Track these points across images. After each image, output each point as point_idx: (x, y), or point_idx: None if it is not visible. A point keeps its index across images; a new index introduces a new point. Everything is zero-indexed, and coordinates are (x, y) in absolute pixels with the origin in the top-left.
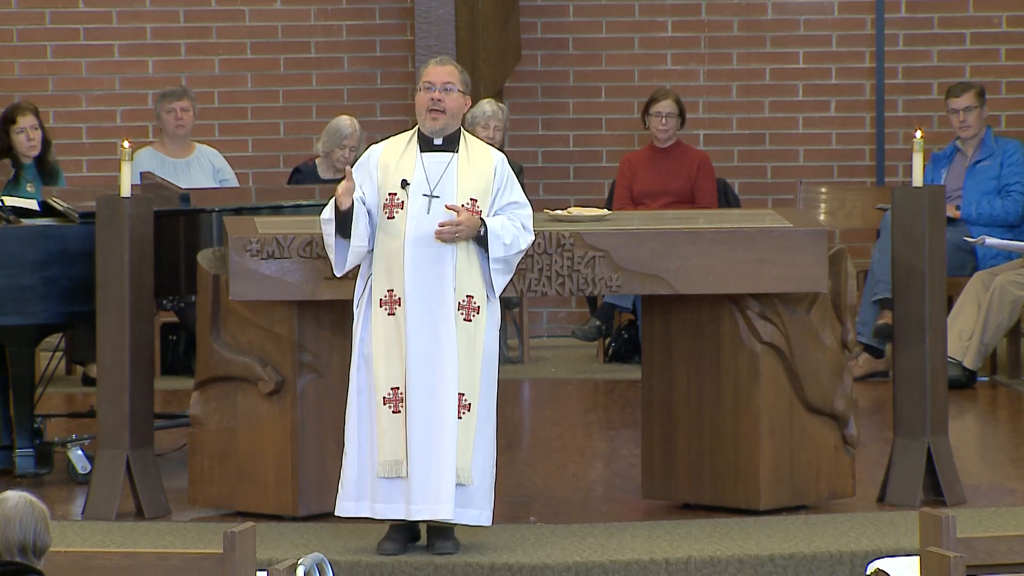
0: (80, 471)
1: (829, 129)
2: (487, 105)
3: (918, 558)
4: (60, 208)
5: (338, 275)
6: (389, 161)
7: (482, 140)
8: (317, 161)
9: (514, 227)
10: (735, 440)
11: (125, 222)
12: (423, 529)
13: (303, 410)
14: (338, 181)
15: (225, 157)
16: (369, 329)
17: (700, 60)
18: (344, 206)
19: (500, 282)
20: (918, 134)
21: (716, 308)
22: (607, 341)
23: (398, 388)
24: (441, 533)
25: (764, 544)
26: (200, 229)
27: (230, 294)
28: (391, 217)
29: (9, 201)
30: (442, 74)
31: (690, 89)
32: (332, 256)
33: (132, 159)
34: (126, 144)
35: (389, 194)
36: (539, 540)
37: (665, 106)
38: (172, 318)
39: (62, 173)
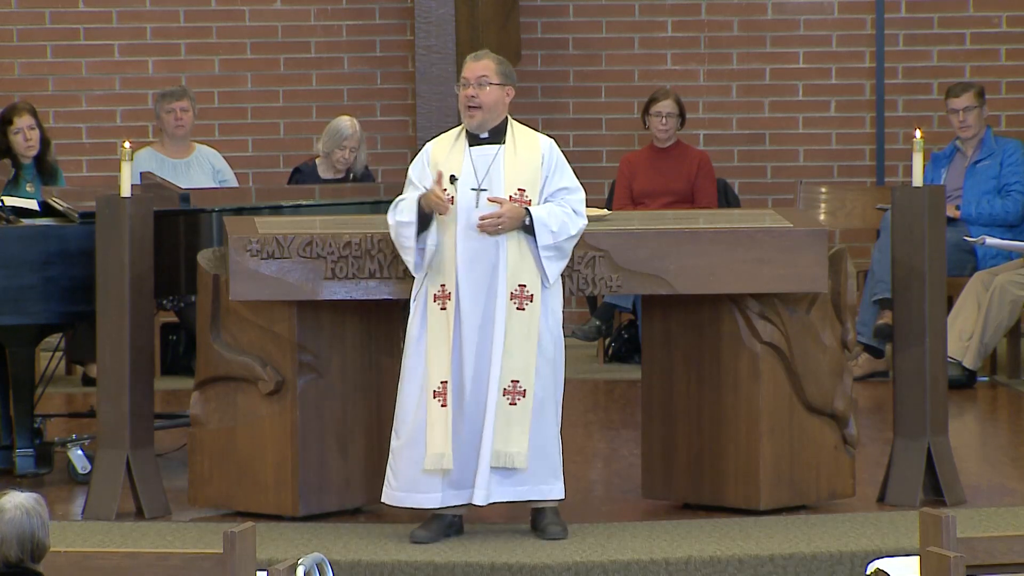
0: (80, 471)
1: (829, 129)
2: None
3: (918, 558)
4: (60, 208)
5: (418, 275)
6: (439, 158)
7: None
8: (317, 161)
9: (563, 213)
10: (735, 440)
11: (125, 222)
12: (444, 518)
13: (303, 410)
14: (338, 181)
15: (225, 157)
16: (419, 323)
17: (700, 60)
18: (444, 212)
19: (553, 269)
20: (918, 134)
21: (716, 308)
22: (607, 341)
23: (446, 382)
24: (549, 516)
25: (764, 544)
26: (200, 229)
27: (230, 294)
28: (442, 213)
29: (9, 201)
30: (476, 69)
31: (690, 89)
32: (411, 258)
33: (132, 159)
34: (126, 144)
35: (441, 190)
36: (539, 540)
37: (665, 106)
38: (172, 318)
39: (62, 173)
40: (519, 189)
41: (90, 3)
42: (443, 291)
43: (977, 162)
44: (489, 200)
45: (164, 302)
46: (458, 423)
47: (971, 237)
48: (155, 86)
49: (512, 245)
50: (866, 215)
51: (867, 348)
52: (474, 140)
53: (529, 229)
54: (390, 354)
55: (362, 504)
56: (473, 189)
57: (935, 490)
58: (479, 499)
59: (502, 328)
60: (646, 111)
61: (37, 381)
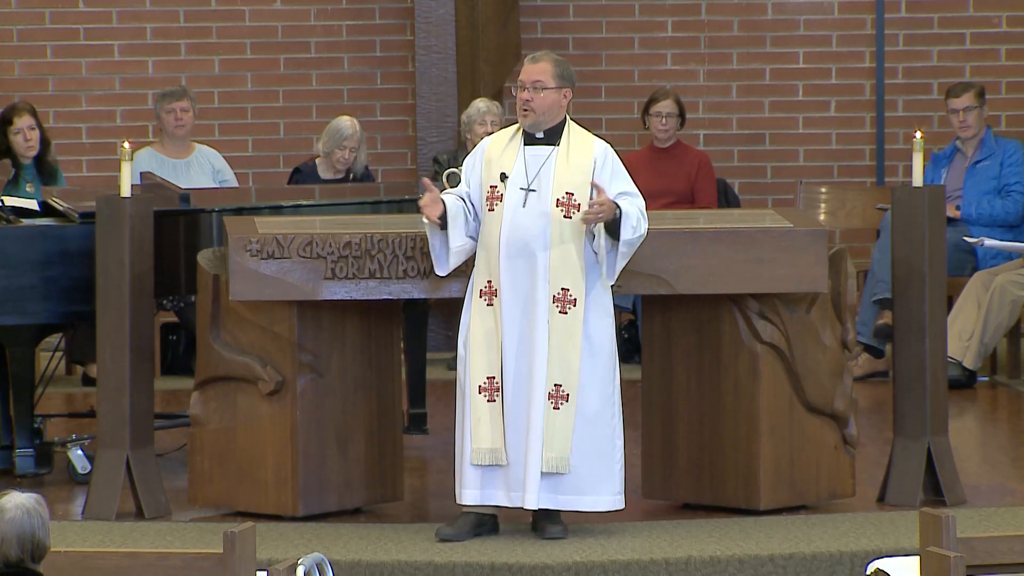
0: (80, 471)
1: (829, 129)
2: (480, 103)
3: (918, 558)
4: (60, 208)
5: (441, 275)
6: (493, 154)
7: (481, 137)
8: (317, 161)
9: (638, 212)
10: (735, 440)
11: (125, 222)
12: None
13: (303, 410)
14: (338, 181)
15: (225, 157)
16: (467, 318)
17: (700, 60)
18: (433, 217)
19: (620, 266)
20: (918, 134)
21: (716, 308)
22: None
23: (494, 377)
24: (549, 517)
25: (764, 544)
26: (200, 229)
27: (230, 294)
28: (491, 209)
29: (9, 201)
30: (532, 72)
31: (690, 89)
32: (433, 257)
33: (132, 159)
34: (126, 144)
35: (490, 187)
36: (539, 540)
37: (665, 106)
38: (172, 318)
39: (61, 173)
40: (567, 193)
41: (90, 3)
42: (489, 287)
43: (977, 162)
44: (593, 183)
45: (164, 302)
46: (507, 422)
47: (971, 237)
48: (155, 86)
49: (555, 248)
50: (866, 215)
51: (867, 348)
52: (530, 139)
53: (609, 223)
54: (390, 354)
55: (362, 504)
56: (522, 188)
57: (935, 490)
58: (530, 503)
59: (544, 331)
60: (646, 111)
61: (37, 381)
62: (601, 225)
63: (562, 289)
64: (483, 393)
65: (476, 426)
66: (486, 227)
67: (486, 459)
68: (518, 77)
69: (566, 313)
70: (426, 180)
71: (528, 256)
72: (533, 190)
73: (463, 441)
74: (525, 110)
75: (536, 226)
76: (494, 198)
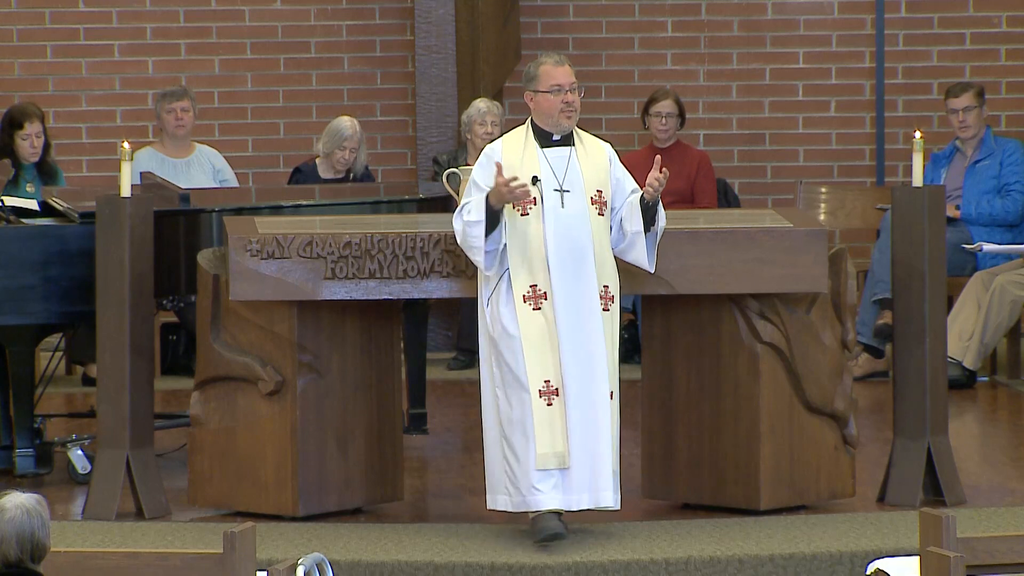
0: (80, 471)
1: (829, 129)
2: (480, 103)
3: (918, 558)
4: (60, 208)
5: (489, 274)
6: (512, 160)
7: (481, 137)
8: (317, 161)
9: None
10: (735, 440)
11: (125, 222)
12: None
13: (303, 410)
14: (338, 181)
15: (225, 157)
16: (505, 323)
17: (700, 60)
18: (526, 198)
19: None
20: (918, 134)
21: (716, 308)
22: None
23: (550, 381)
24: (547, 516)
25: (764, 544)
26: (200, 229)
27: (230, 294)
28: (524, 214)
29: (9, 201)
30: (569, 74)
31: (690, 89)
32: (480, 258)
33: (132, 159)
34: (126, 144)
35: None
36: (539, 540)
37: (665, 106)
38: (172, 318)
39: (62, 173)
40: (598, 190)
41: (90, 3)
42: (534, 291)
43: (977, 162)
44: (661, 161)
45: (164, 302)
46: (571, 424)
47: (971, 240)
48: (155, 86)
49: (598, 246)
50: (866, 215)
51: (867, 348)
52: (544, 142)
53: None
54: (390, 354)
55: (362, 504)
56: (556, 190)
57: (935, 490)
58: (607, 501)
59: (600, 329)
60: (646, 111)
61: (37, 381)
62: (639, 209)
63: (604, 286)
64: (543, 397)
65: (539, 430)
66: (520, 232)
67: (552, 463)
68: (554, 82)
69: (608, 310)
70: (499, 163)
71: (577, 256)
72: (567, 191)
73: (525, 447)
74: (570, 112)
75: (579, 226)
76: (526, 202)
